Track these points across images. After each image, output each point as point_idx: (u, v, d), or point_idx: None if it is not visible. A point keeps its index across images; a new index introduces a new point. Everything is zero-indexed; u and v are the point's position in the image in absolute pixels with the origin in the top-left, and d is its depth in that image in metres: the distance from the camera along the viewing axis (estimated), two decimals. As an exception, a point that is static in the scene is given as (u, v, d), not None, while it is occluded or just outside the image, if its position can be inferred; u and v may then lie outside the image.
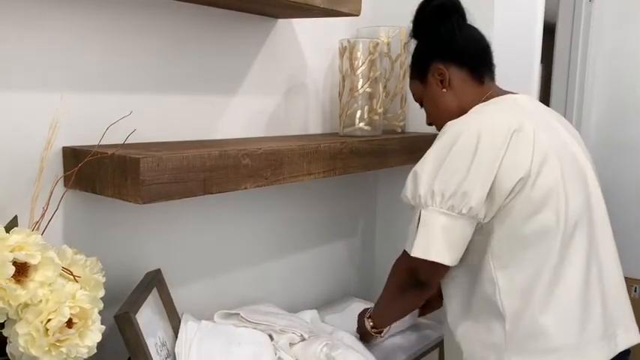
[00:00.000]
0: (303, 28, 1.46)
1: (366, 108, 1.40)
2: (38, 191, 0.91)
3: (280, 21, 1.40)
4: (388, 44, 1.53)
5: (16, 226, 0.84)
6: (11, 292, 0.76)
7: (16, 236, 0.80)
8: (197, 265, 1.29)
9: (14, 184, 0.95)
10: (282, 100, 1.44)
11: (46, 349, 0.78)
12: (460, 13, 1.21)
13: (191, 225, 1.26)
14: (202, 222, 1.28)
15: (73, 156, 0.99)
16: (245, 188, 1.05)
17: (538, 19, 1.61)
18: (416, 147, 1.48)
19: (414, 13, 1.23)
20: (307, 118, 1.53)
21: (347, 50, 1.38)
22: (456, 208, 1.02)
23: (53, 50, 0.98)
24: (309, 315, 1.42)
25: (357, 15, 1.30)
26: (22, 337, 0.78)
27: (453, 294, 1.17)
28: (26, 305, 0.79)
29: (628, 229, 2.41)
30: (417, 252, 1.05)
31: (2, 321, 0.80)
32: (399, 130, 1.60)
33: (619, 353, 1.09)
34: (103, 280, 0.92)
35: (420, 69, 1.24)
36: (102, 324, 0.86)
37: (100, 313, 0.86)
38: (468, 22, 1.22)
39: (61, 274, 0.84)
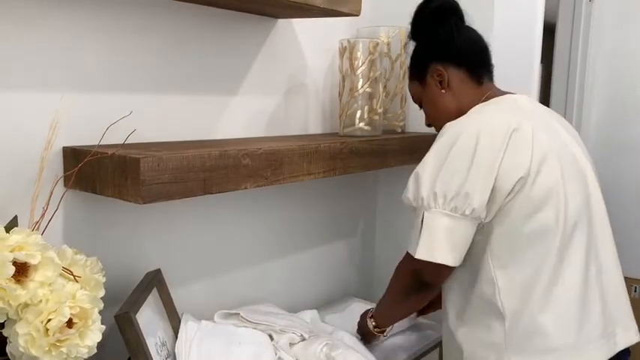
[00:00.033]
0: (303, 28, 1.46)
1: (366, 108, 1.40)
2: (38, 191, 0.91)
3: (280, 21, 1.40)
4: (388, 44, 1.53)
5: (16, 226, 0.84)
6: (11, 292, 0.76)
7: (16, 236, 0.80)
8: (197, 265, 1.29)
9: (14, 184, 0.95)
10: (282, 100, 1.44)
11: (46, 349, 0.78)
12: (458, 14, 1.21)
13: (191, 225, 1.26)
14: (202, 222, 1.28)
15: (73, 156, 0.99)
16: (245, 188, 1.05)
17: (538, 19, 1.61)
18: (416, 147, 1.48)
19: (412, 14, 1.23)
20: (307, 118, 1.53)
21: (347, 50, 1.38)
22: (459, 210, 1.02)
23: (53, 50, 0.98)
24: (309, 315, 1.42)
25: (357, 15, 1.30)
26: (22, 337, 0.78)
27: (452, 294, 1.17)
28: (26, 305, 0.79)
29: (628, 229, 2.41)
30: (420, 254, 1.06)
31: (2, 321, 0.80)
32: (399, 130, 1.60)
33: (619, 353, 1.09)
34: (103, 280, 0.92)
35: (418, 70, 1.25)
36: (102, 324, 0.86)
37: (100, 313, 0.86)
38: (467, 24, 1.23)
39: (61, 274, 0.84)
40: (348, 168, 1.29)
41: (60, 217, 1.01)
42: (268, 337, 1.21)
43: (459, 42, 1.20)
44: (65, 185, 0.98)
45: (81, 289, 0.84)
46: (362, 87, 1.38)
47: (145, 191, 0.89)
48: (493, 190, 1.02)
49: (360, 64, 1.37)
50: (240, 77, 1.33)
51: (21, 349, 0.78)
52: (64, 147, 1.01)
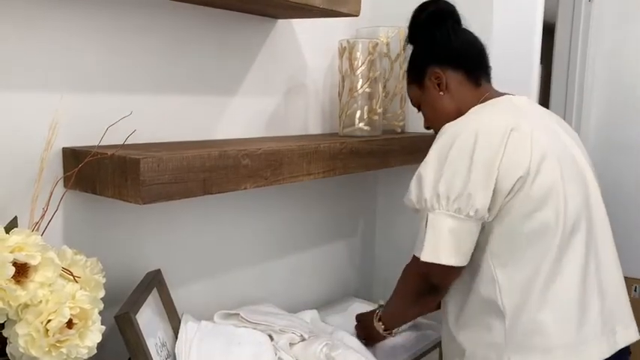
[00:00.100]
0: (302, 28, 1.46)
1: (366, 108, 1.40)
2: (38, 192, 0.91)
3: (280, 21, 1.40)
4: (387, 44, 1.53)
5: (16, 226, 0.84)
6: (11, 292, 0.76)
7: (16, 237, 0.80)
8: (197, 265, 1.29)
9: (14, 184, 0.95)
10: (282, 100, 1.44)
11: (46, 349, 0.78)
12: (455, 18, 1.22)
13: (191, 225, 1.26)
14: (202, 222, 1.28)
15: (73, 156, 0.99)
16: (245, 188, 1.05)
17: (537, 19, 1.61)
18: (416, 147, 1.48)
19: (409, 18, 1.24)
20: (307, 119, 1.53)
21: (346, 50, 1.38)
22: (463, 211, 1.03)
23: (53, 50, 0.98)
24: (309, 315, 1.42)
25: (357, 15, 1.30)
26: (22, 338, 0.78)
27: (452, 294, 1.17)
28: (26, 306, 0.79)
29: (628, 229, 2.41)
30: (426, 256, 1.06)
31: (2, 322, 0.80)
32: (399, 130, 1.60)
33: (619, 352, 1.09)
34: (103, 280, 0.92)
35: (417, 73, 1.25)
36: (102, 324, 0.86)
37: (100, 313, 0.86)
38: (463, 27, 1.23)
39: (61, 275, 0.84)
40: (347, 168, 1.29)
41: (60, 218, 1.01)
42: (268, 337, 1.21)
43: (456, 44, 1.21)
44: (65, 186, 0.98)
45: (81, 289, 0.84)
46: (361, 87, 1.38)
47: (144, 192, 0.89)
48: (494, 189, 1.02)
49: (360, 65, 1.37)
50: (240, 77, 1.33)
51: (21, 350, 0.78)
52: (63, 147, 1.01)
